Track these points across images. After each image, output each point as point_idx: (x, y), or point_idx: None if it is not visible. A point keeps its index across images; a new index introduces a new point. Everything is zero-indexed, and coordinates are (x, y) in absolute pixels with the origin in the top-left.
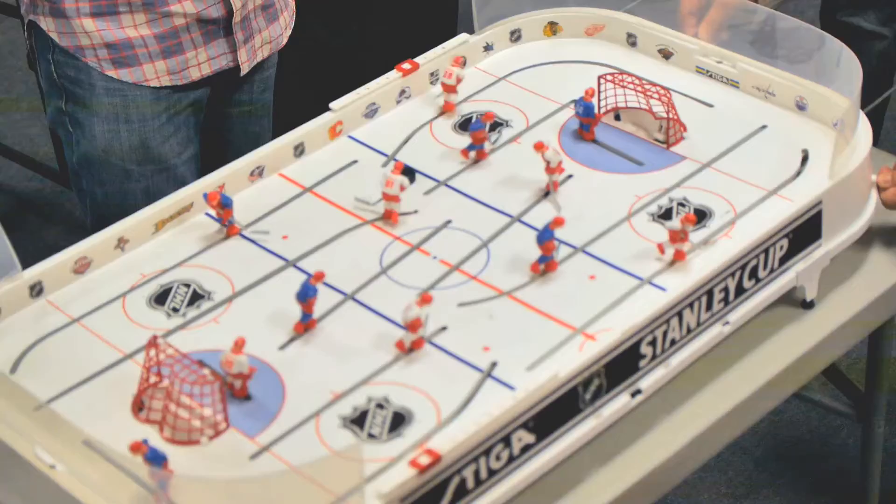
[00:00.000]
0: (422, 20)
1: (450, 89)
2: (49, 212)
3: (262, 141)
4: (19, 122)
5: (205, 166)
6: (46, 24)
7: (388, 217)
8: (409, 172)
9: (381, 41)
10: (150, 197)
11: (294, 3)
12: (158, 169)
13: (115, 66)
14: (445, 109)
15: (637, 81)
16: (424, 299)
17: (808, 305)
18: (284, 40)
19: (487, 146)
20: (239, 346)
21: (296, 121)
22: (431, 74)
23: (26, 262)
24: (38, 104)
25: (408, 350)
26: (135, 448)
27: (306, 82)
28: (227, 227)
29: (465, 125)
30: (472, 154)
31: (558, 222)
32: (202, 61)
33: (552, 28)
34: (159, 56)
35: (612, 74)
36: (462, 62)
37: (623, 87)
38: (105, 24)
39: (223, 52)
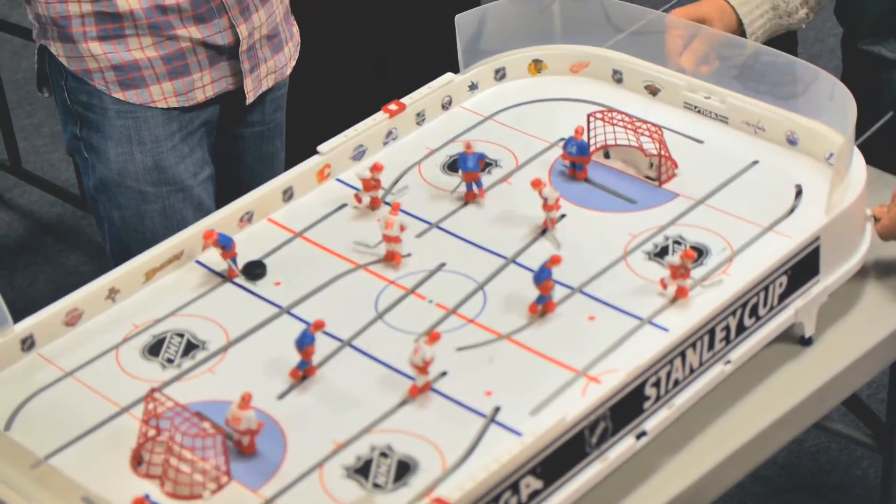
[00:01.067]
0: (444, 43)
1: (371, 187)
2: (70, 237)
3: (276, 161)
4: (41, 147)
5: (220, 188)
6: (56, 48)
7: (390, 259)
8: (255, 270)
9: (405, 63)
10: (168, 219)
11: (298, 33)
12: (174, 190)
13: (122, 88)
14: (371, 207)
15: (627, 119)
16: (432, 337)
17: (806, 342)
18: (289, 70)
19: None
20: (246, 401)
21: (316, 142)
22: (418, 115)
23: (50, 288)
24: (59, 129)
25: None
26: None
27: (329, 104)
28: (228, 269)
29: (453, 166)
30: (474, 189)
31: (555, 260)
32: (207, 83)
33: (537, 66)
34: (166, 77)
35: (601, 112)
36: (381, 169)
37: (613, 124)
38: (112, 47)
39: (228, 74)
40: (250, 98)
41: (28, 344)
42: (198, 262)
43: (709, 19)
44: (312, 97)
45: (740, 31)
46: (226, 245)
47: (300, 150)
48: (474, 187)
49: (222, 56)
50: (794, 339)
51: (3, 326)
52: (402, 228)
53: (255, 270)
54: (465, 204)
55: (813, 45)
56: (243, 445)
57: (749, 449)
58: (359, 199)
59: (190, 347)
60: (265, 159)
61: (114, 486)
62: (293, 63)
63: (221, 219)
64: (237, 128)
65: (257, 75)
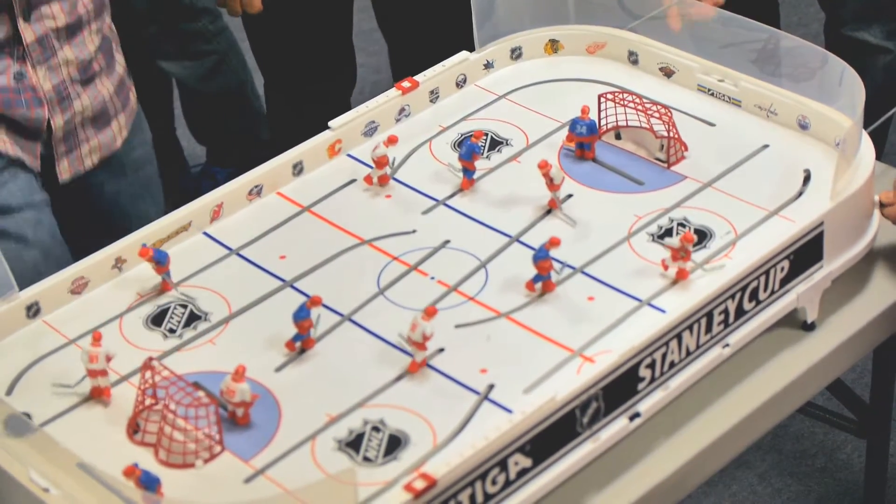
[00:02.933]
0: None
1: (379, 164)
2: None
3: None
4: None
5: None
6: None
7: (97, 395)
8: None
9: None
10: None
11: (135, 98)
12: None
13: None
14: (380, 181)
15: (638, 100)
16: (429, 312)
17: (808, 327)
18: (119, 143)
19: (480, 165)
20: (240, 374)
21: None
22: (431, 92)
23: None
24: None
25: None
26: (128, 472)
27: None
28: (162, 282)
29: (463, 143)
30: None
31: (554, 242)
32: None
33: (553, 46)
34: None
35: (612, 93)
36: (395, 141)
37: (624, 105)
38: None
39: (34, 156)
40: (64, 179)
41: (33, 311)
42: (205, 233)
43: None
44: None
45: None
46: (160, 260)
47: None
48: (466, 175)
49: (30, 141)
50: (798, 324)
51: (9, 293)
52: (109, 359)
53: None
54: (461, 191)
55: (796, 29)
56: (237, 417)
57: (736, 432)
58: (370, 181)
59: (193, 318)
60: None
61: (111, 454)
62: (126, 133)
63: (230, 192)
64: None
65: (76, 156)
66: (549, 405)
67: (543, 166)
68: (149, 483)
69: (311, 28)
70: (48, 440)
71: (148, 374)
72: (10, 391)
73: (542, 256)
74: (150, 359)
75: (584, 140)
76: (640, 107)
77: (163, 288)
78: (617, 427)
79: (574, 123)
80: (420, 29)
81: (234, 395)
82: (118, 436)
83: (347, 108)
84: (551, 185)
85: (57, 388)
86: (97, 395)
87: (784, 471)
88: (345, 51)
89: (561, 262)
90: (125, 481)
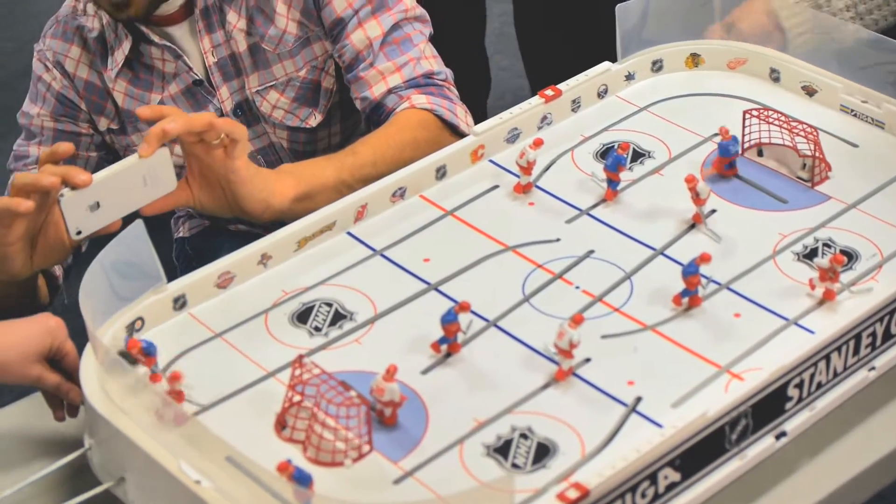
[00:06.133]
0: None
1: (524, 170)
2: None
3: None
4: None
5: None
6: None
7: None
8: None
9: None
10: None
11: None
12: None
13: None
14: (524, 189)
15: (783, 118)
16: (576, 320)
17: None
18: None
19: (623, 177)
20: (391, 373)
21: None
22: (573, 101)
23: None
24: None
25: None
26: (281, 468)
27: None
28: (151, 374)
29: (605, 154)
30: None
31: (704, 258)
32: None
33: (694, 60)
34: None
35: (757, 110)
36: (541, 143)
37: (769, 122)
38: None
39: None
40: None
41: (180, 303)
42: (349, 233)
43: None
44: None
45: None
46: (150, 351)
47: None
48: (610, 186)
49: None
50: None
51: (158, 284)
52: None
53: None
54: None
55: None
56: (385, 416)
57: (885, 463)
58: (519, 190)
59: (338, 317)
60: None
61: (257, 449)
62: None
63: (373, 193)
64: None
65: None
66: (700, 420)
67: (690, 180)
68: (301, 480)
69: (442, 34)
70: (199, 431)
71: (298, 370)
72: None
73: (691, 271)
74: (301, 356)
75: (733, 159)
76: (785, 125)
77: (152, 380)
78: (763, 445)
79: (727, 147)
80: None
81: (384, 395)
82: (265, 431)
83: (483, 112)
84: (697, 199)
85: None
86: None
87: None
88: (478, 55)
89: (707, 278)
90: (275, 475)
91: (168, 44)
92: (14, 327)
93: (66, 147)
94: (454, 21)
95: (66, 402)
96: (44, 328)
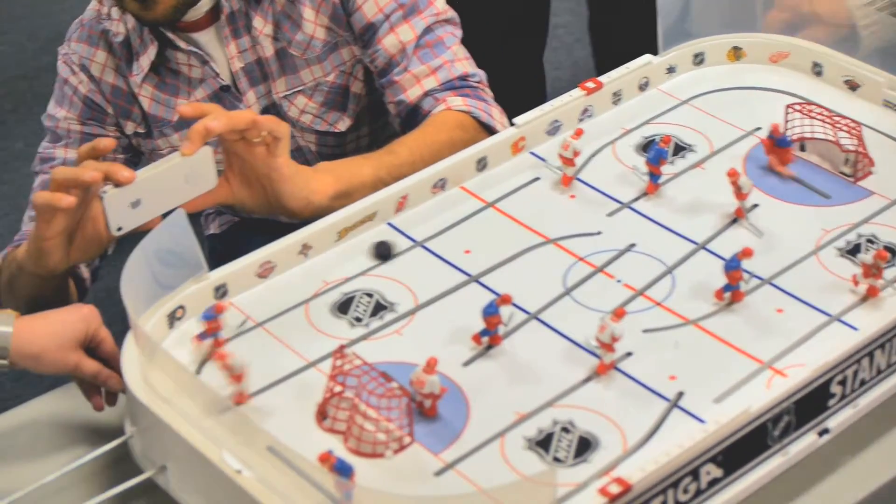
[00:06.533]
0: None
1: (567, 162)
2: None
3: None
4: None
5: None
6: None
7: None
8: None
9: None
10: None
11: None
12: None
13: None
14: (563, 183)
15: (826, 113)
16: (618, 314)
17: None
18: None
19: (664, 170)
20: (431, 366)
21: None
22: (614, 94)
23: None
24: None
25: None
26: (323, 458)
27: None
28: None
29: (647, 147)
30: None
31: (747, 253)
32: None
33: (736, 53)
34: None
35: (799, 104)
36: (581, 133)
37: (811, 117)
38: None
39: None
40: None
41: (221, 292)
42: (389, 224)
43: None
44: None
45: None
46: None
47: None
48: (651, 180)
49: None
50: None
51: (199, 273)
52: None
53: (381, 251)
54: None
55: None
56: (425, 408)
57: None
58: (567, 182)
59: (379, 308)
60: None
61: (298, 438)
62: None
63: (414, 184)
64: None
65: None
66: (743, 416)
67: (733, 174)
68: (343, 470)
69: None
70: (240, 420)
71: (339, 361)
72: (199, 371)
73: (734, 266)
74: (342, 346)
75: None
76: (828, 119)
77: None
78: (806, 442)
79: (783, 140)
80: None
81: (424, 387)
82: (306, 421)
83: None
84: (739, 193)
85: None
86: (238, 402)
87: None
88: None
89: (748, 272)
90: (316, 465)
91: (195, 49)
92: (48, 317)
93: (106, 143)
94: (514, 36)
95: (104, 390)
96: (78, 315)
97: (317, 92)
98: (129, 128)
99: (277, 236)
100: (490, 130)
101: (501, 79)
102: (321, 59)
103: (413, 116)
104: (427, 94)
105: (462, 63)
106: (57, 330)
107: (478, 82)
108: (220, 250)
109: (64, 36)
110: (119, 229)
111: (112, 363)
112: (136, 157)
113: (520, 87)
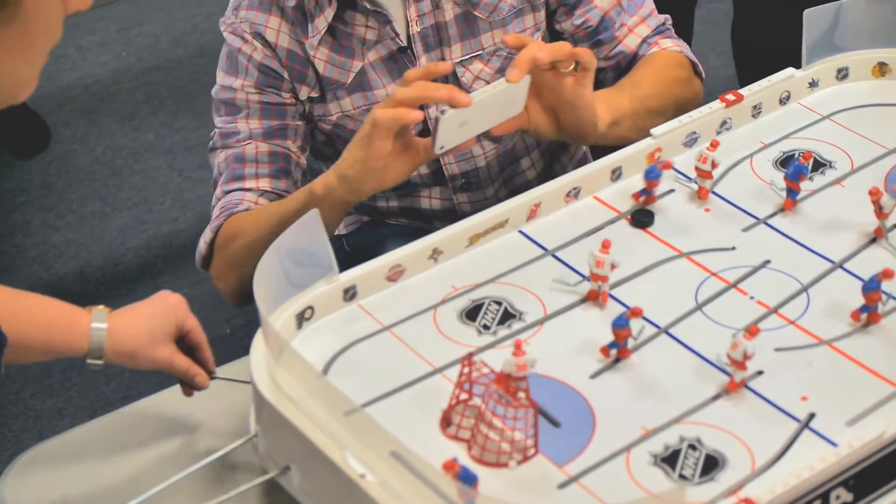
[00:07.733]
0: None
1: (704, 175)
2: None
3: None
4: None
5: None
6: None
7: (593, 298)
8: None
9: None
10: None
11: None
12: None
13: None
14: (699, 196)
15: None
16: (751, 332)
17: None
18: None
19: (803, 187)
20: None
21: None
22: (754, 107)
23: None
24: None
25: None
26: (447, 466)
27: None
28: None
29: (785, 162)
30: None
31: (888, 274)
32: None
33: (881, 69)
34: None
35: None
36: (717, 145)
37: None
38: None
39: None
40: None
41: (350, 294)
42: (520, 231)
43: None
44: None
45: None
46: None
47: None
48: (789, 196)
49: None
50: None
51: (329, 274)
52: (613, 267)
53: (643, 219)
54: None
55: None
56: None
57: None
58: (704, 195)
59: (507, 316)
60: None
61: (421, 444)
62: None
63: (548, 192)
64: None
65: None
66: (876, 441)
67: (874, 193)
68: (467, 479)
69: None
70: (364, 423)
71: (466, 369)
72: (325, 371)
73: (873, 287)
74: (471, 354)
75: None
76: None
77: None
78: None
79: None
80: None
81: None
82: (429, 427)
83: None
84: (880, 213)
85: (556, 283)
86: (594, 298)
87: None
88: None
89: (888, 294)
90: (438, 472)
91: (378, 9)
92: (137, 311)
93: (445, 66)
94: None
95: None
96: (166, 306)
97: (494, 57)
98: (304, 92)
99: (411, 233)
100: (695, 70)
101: None
102: (506, 22)
103: (632, 65)
104: (644, 41)
105: (655, 11)
106: (148, 323)
107: (671, 26)
108: (348, 251)
109: (199, 28)
110: (441, 147)
111: (201, 349)
112: (310, 124)
113: None
